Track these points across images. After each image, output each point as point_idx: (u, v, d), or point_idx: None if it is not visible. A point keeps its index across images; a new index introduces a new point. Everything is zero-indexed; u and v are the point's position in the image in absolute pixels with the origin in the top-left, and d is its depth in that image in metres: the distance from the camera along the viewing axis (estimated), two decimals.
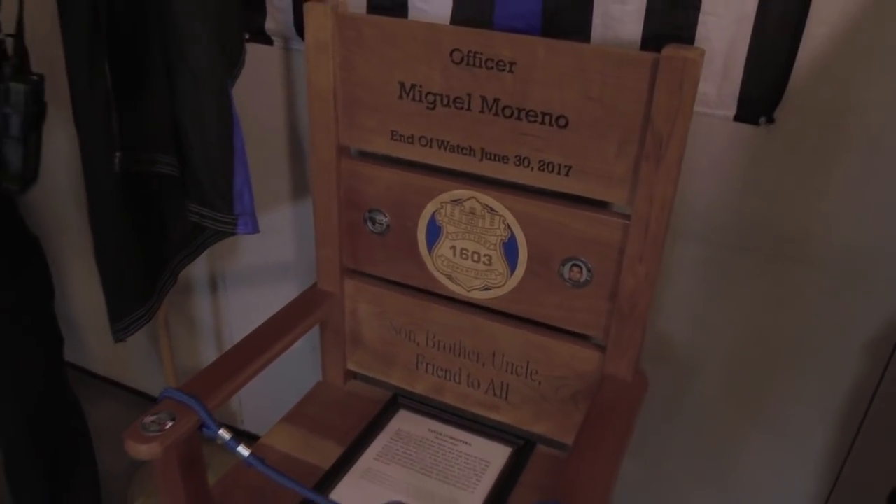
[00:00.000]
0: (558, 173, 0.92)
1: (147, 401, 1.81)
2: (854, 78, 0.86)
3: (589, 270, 0.96)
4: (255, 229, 1.10)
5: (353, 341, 1.21)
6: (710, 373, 1.12)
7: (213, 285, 1.55)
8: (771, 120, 0.92)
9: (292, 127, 1.28)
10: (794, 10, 0.85)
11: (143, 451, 0.84)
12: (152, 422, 0.87)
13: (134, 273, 1.13)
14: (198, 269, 1.52)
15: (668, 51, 0.80)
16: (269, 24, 1.17)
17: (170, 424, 0.87)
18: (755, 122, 0.93)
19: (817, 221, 0.96)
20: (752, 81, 0.91)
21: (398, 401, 1.21)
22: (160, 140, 1.06)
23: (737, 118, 0.94)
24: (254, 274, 1.49)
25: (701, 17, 0.89)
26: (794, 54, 0.88)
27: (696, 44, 0.90)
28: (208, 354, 1.64)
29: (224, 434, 0.90)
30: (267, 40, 1.20)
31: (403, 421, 1.18)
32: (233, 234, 1.08)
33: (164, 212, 1.16)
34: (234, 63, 1.04)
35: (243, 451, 0.90)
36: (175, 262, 1.21)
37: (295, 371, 1.39)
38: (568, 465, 0.84)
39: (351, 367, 1.24)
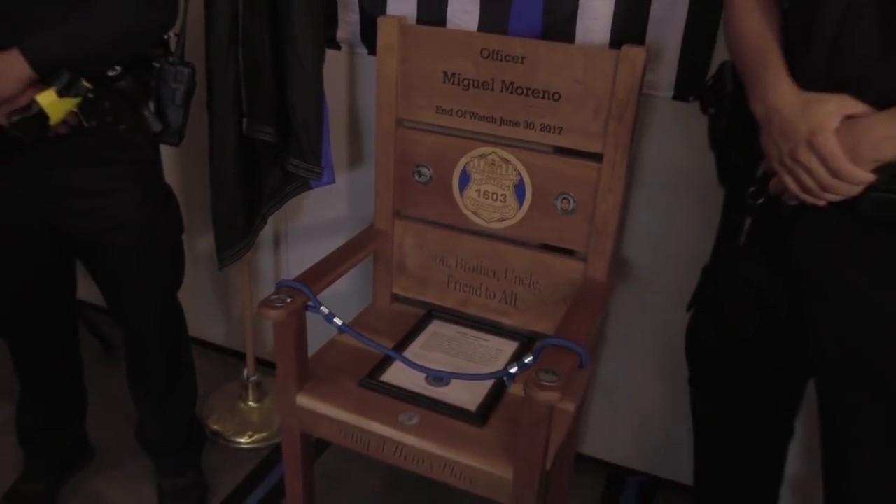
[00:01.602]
0: (554, 132, 1.39)
1: (203, 347, 2.21)
2: None
3: (575, 201, 1.42)
4: (333, 179, 1.57)
5: (398, 270, 1.65)
6: (662, 283, 1.58)
7: (277, 241, 1.99)
8: (695, 99, 1.39)
9: (352, 111, 1.74)
10: (710, 25, 1.33)
11: (273, 314, 1.28)
12: (276, 298, 1.31)
13: (240, 214, 1.58)
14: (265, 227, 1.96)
15: (625, 50, 1.28)
16: (340, 34, 1.63)
17: (289, 300, 1.31)
18: (686, 100, 1.40)
19: None
20: (683, 73, 1.38)
21: (432, 314, 1.65)
22: (265, 112, 1.50)
23: (675, 97, 1.41)
24: (311, 231, 1.93)
25: (648, 28, 1.37)
26: (711, 54, 1.35)
27: (646, 45, 1.37)
28: None
29: (324, 309, 1.34)
30: (336, 47, 1.66)
31: (438, 326, 1.61)
32: (318, 180, 1.53)
33: (262, 169, 1.61)
34: (322, 57, 1.50)
35: (338, 321, 1.35)
36: (266, 209, 1.65)
37: (348, 299, 1.81)
38: (561, 323, 1.29)
39: (396, 290, 1.68)
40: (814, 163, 0.91)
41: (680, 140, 1.46)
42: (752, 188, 1.05)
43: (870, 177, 0.88)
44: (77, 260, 1.51)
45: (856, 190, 0.90)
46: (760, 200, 1.04)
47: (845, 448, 1.10)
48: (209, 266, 2.01)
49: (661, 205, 1.54)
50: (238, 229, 1.59)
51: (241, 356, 2.07)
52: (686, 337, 1.35)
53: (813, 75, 0.94)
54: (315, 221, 1.92)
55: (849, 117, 0.89)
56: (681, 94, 1.40)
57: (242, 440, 1.89)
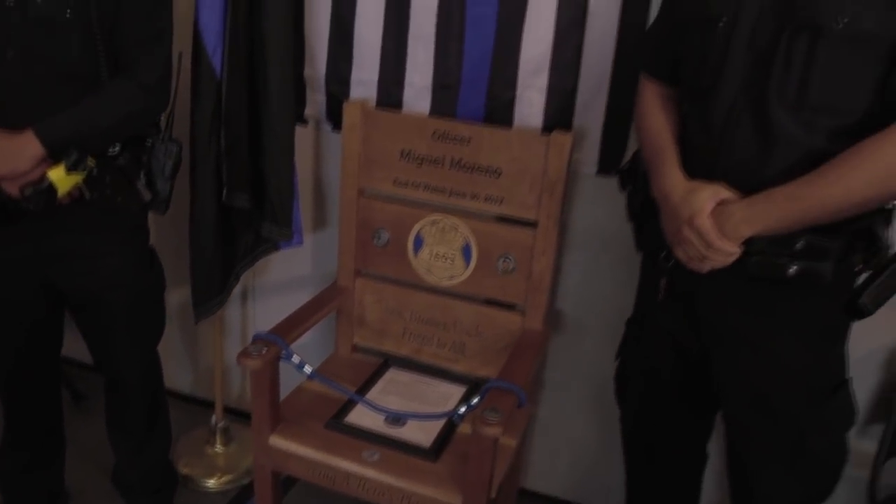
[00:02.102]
0: (495, 203, 1.62)
1: (171, 396, 2.34)
2: None
3: (514, 262, 1.65)
4: (301, 241, 1.76)
5: (358, 322, 1.85)
6: (592, 332, 1.81)
7: (244, 296, 2.16)
8: (616, 174, 1.65)
9: (317, 179, 1.95)
10: (626, 113, 1.59)
11: (251, 363, 1.46)
12: (253, 349, 1.49)
13: (216, 273, 1.76)
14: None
15: (554, 135, 1.53)
16: (308, 112, 1.85)
17: (265, 350, 1.49)
18: (609, 175, 1.65)
19: None
20: (605, 153, 1.64)
21: (389, 362, 1.84)
22: (243, 181, 1.70)
23: (598, 173, 1.66)
24: (277, 287, 2.11)
25: (575, 115, 1.62)
26: (627, 138, 1.61)
27: (573, 130, 1.62)
28: (233, 352, 2.23)
29: (296, 359, 1.52)
30: (304, 122, 1.87)
31: (394, 373, 1.81)
32: (289, 242, 1.73)
33: (236, 232, 1.80)
34: (294, 132, 1.71)
35: (308, 369, 1.53)
36: (239, 268, 1.84)
37: (312, 349, 1.99)
38: (503, 368, 1.50)
39: (356, 341, 1.87)
40: (694, 238, 1.15)
41: (604, 209, 1.71)
42: (663, 253, 1.29)
43: (735, 250, 1.13)
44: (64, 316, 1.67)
45: (728, 259, 1.14)
46: (671, 263, 1.28)
47: (748, 466, 1.34)
48: (178, 319, 2.17)
49: (590, 264, 1.78)
50: (214, 286, 1.77)
51: (206, 404, 2.22)
52: (615, 380, 1.57)
53: (705, 165, 1.19)
54: (280, 278, 2.11)
55: (721, 202, 1.14)
56: (603, 170, 1.66)
57: (211, 482, 2.03)
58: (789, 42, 1.08)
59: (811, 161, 1.09)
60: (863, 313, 1.15)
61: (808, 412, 1.25)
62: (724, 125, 1.16)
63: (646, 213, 1.35)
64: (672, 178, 1.21)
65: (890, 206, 1.18)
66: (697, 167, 1.20)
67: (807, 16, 1.06)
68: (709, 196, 1.14)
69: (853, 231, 1.13)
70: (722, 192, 1.14)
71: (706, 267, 1.17)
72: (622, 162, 1.62)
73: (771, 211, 1.10)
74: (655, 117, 1.31)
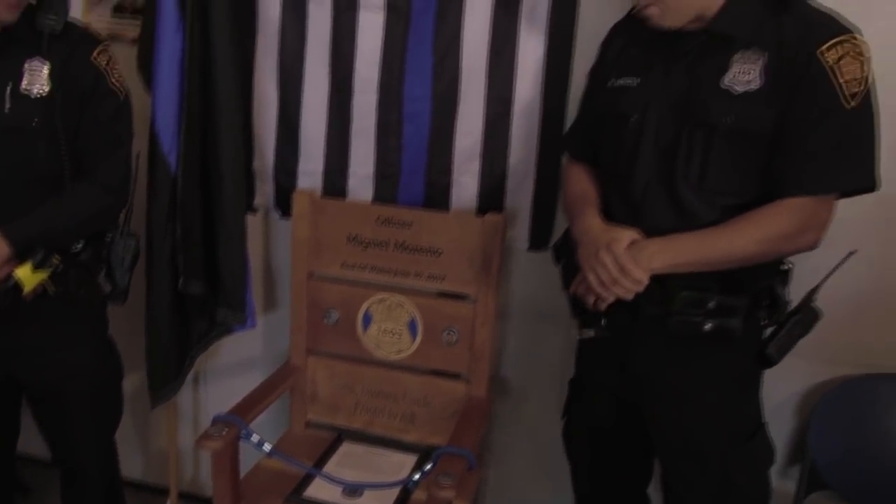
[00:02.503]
0: (437, 280, 1.76)
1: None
2: None
3: (457, 334, 1.78)
4: (254, 324, 1.86)
5: (311, 399, 1.94)
6: (535, 395, 1.95)
7: (196, 380, 2.22)
8: (547, 248, 1.81)
9: (266, 263, 2.06)
10: (552, 194, 1.77)
11: (213, 445, 1.54)
12: (214, 430, 1.57)
13: (171, 358, 1.84)
14: None
15: (488, 216, 1.69)
16: (257, 201, 1.97)
17: (225, 431, 1.57)
18: (539, 251, 1.82)
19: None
20: (535, 230, 1.81)
21: (343, 436, 1.93)
22: (197, 270, 1.80)
23: (529, 249, 1.83)
24: (229, 369, 2.18)
25: (506, 198, 1.80)
26: (554, 216, 1.79)
27: (505, 211, 1.79)
28: (186, 436, 2.27)
29: (255, 437, 1.60)
30: (253, 211, 1.99)
31: (348, 446, 1.90)
32: (242, 326, 1.83)
33: (190, 317, 1.88)
34: (246, 221, 1.83)
35: (267, 447, 1.61)
36: (194, 352, 1.92)
37: (266, 427, 2.05)
38: (452, 434, 1.62)
39: (310, 417, 1.95)
40: (609, 260, 1.28)
41: (539, 280, 1.87)
42: (598, 317, 1.43)
43: (644, 278, 1.26)
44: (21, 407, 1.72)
45: (635, 288, 1.27)
46: (603, 325, 1.42)
47: None
48: (129, 405, 2.20)
49: (529, 332, 1.93)
50: (170, 372, 1.84)
51: (159, 490, 2.24)
52: (563, 437, 1.70)
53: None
54: (231, 360, 2.18)
55: (635, 241, 1.30)
56: (534, 246, 1.82)
57: None
58: (689, 137, 1.29)
59: None
60: (771, 362, 1.34)
61: (731, 452, 1.41)
62: (641, 201, 1.35)
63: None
64: (593, 219, 1.38)
65: (786, 267, 1.38)
66: None
67: (701, 116, 1.28)
68: (626, 234, 1.30)
69: (757, 290, 1.33)
70: (637, 234, 1.31)
71: (611, 292, 1.29)
72: (551, 238, 1.80)
73: (679, 249, 1.28)
74: (581, 183, 1.49)
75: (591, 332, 1.42)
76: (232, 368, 2.18)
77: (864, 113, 1.23)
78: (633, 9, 1.40)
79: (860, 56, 1.22)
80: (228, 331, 1.93)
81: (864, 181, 1.25)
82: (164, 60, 1.68)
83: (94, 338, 1.65)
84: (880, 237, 1.61)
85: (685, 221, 1.31)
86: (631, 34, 1.42)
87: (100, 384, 1.66)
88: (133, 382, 2.08)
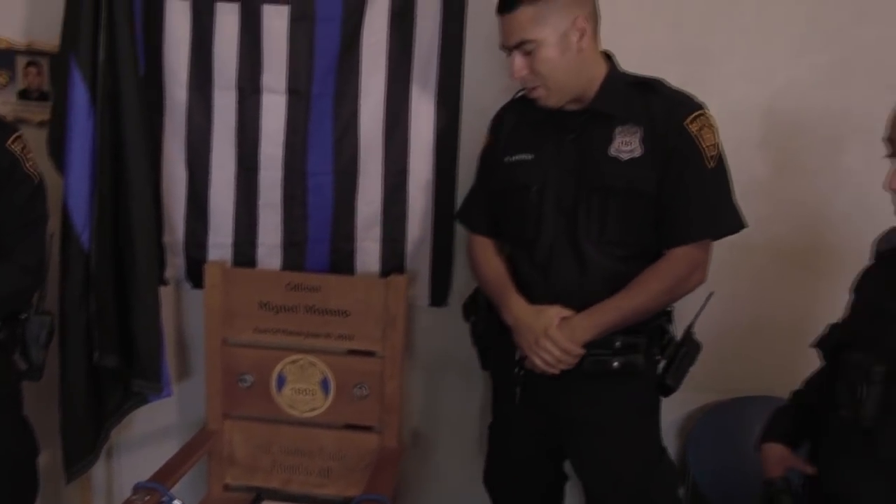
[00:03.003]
0: (346, 339, 1.90)
1: None
2: None
3: (367, 389, 1.92)
4: (171, 393, 1.94)
5: (229, 462, 2.02)
6: (446, 444, 2.09)
7: (109, 452, 2.25)
8: (446, 304, 1.99)
9: (179, 332, 2.14)
10: (447, 256, 1.95)
11: None
12: (136, 498, 1.63)
13: (87, 432, 1.88)
14: None
15: (391, 278, 1.86)
16: (168, 273, 2.06)
17: (147, 498, 1.64)
18: (440, 306, 1.99)
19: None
20: (434, 288, 1.98)
21: (261, 496, 2.01)
22: (112, 343, 1.87)
23: (430, 305, 2.00)
24: (142, 439, 2.22)
25: (406, 261, 1.97)
26: (451, 275, 1.97)
27: (406, 272, 1.96)
28: None
29: (176, 503, 1.68)
30: (165, 283, 2.08)
31: None
32: (159, 395, 1.90)
33: (105, 390, 1.94)
34: (158, 293, 1.92)
35: None
36: (109, 424, 1.97)
37: (184, 492, 2.10)
38: (367, 484, 1.74)
39: (228, 480, 2.03)
40: (550, 346, 1.49)
41: (442, 334, 2.04)
42: (516, 368, 1.61)
43: (582, 351, 1.49)
44: None
45: (575, 360, 1.49)
46: (522, 373, 1.60)
47: None
48: (44, 481, 2.19)
49: (436, 384, 2.08)
50: (86, 446, 1.88)
51: None
52: (485, 479, 1.84)
53: (539, 292, 1.56)
54: (144, 430, 2.22)
55: (563, 317, 1.51)
56: (435, 303, 2.00)
57: None
58: (587, 199, 1.52)
59: (613, 279, 1.51)
60: (670, 390, 1.57)
61: (646, 475, 1.60)
62: (548, 261, 1.56)
63: (489, 338, 1.72)
64: (519, 305, 1.57)
65: (670, 308, 1.60)
66: (532, 295, 1.57)
67: (597, 181, 1.51)
68: (554, 314, 1.52)
69: (651, 329, 1.56)
70: (563, 311, 1.52)
71: (559, 368, 1.51)
72: (449, 294, 1.98)
73: (602, 318, 1.50)
74: (489, 265, 1.68)
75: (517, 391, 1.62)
76: (146, 438, 2.23)
77: (721, 170, 1.52)
78: (519, 91, 1.63)
79: (712, 126, 1.50)
80: (144, 401, 2.00)
81: (733, 225, 1.53)
82: (75, 143, 1.77)
83: (9, 416, 1.69)
84: (731, 279, 1.86)
85: (589, 273, 1.53)
86: (520, 115, 1.64)
87: (14, 462, 1.70)
88: (48, 458, 2.10)
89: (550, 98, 1.52)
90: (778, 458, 1.27)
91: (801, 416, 1.30)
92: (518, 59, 1.50)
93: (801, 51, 1.84)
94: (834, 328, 1.23)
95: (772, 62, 1.85)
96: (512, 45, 1.50)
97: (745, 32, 1.85)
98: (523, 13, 1.46)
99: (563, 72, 1.49)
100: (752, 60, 1.85)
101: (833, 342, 1.19)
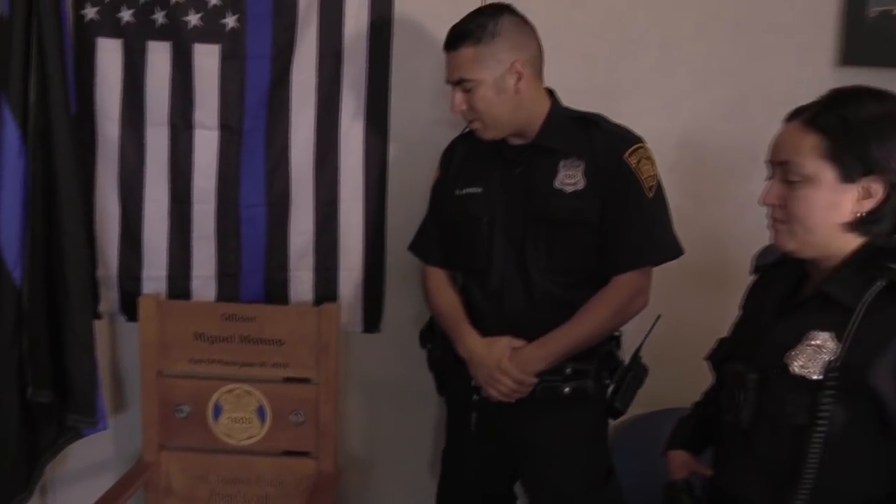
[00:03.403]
0: (281, 367, 1.96)
1: None
2: None
3: (303, 415, 1.97)
4: (106, 426, 1.96)
5: (165, 493, 2.04)
6: (384, 469, 2.16)
7: (43, 489, 2.24)
8: (379, 330, 2.07)
9: (114, 365, 2.16)
10: (377, 284, 2.04)
11: None
12: None
13: (20, 469, 1.89)
14: None
15: (323, 306, 1.93)
16: (102, 307, 2.09)
17: None
18: (373, 332, 2.07)
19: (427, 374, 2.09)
20: (367, 315, 2.06)
21: None
22: (45, 379, 1.89)
23: (364, 332, 2.07)
24: (77, 474, 2.23)
25: (339, 289, 2.04)
26: (382, 302, 2.05)
27: (339, 301, 2.03)
28: None
29: None
30: (99, 317, 2.10)
31: None
32: (94, 429, 1.92)
33: (38, 425, 1.95)
34: (92, 327, 1.94)
35: None
36: (43, 460, 1.97)
37: None
38: None
39: None
40: (504, 379, 1.59)
41: (377, 360, 2.11)
42: (473, 395, 1.68)
43: (535, 380, 1.58)
44: None
45: (529, 389, 1.59)
46: (478, 399, 1.68)
47: None
48: None
49: (370, 407, 2.15)
50: (19, 483, 1.89)
51: None
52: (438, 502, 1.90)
53: (492, 320, 1.66)
54: (80, 465, 2.23)
55: (515, 348, 1.59)
56: (368, 329, 2.08)
57: None
58: (534, 230, 1.62)
59: (561, 306, 1.61)
60: (619, 413, 1.66)
61: (592, 494, 1.69)
62: (499, 290, 1.66)
63: (445, 365, 1.79)
64: (471, 339, 1.65)
65: (618, 333, 1.71)
66: (485, 323, 1.66)
67: (543, 212, 1.61)
68: (505, 345, 1.61)
69: (600, 355, 1.65)
70: (514, 341, 1.61)
71: (514, 397, 1.60)
72: (381, 321, 2.07)
73: (553, 348, 1.60)
74: (443, 297, 1.76)
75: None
76: (82, 473, 2.23)
77: (660, 199, 1.64)
78: (466, 128, 1.73)
79: (650, 159, 1.63)
80: (79, 435, 2.01)
81: (671, 251, 1.65)
82: (7, 181, 1.81)
83: None
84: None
85: (538, 301, 1.63)
86: (469, 148, 1.74)
87: None
88: None
89: (487, 132, 1.63)
90: (681, 463, 1.38)
91: (701, 425, 1.41)
92: (458, 95, 1.61)
93: (703, 86, 2.00)
94: (722, 342, 1.35)
95: (676, 97, 2.00)
96: (453, 81, 1.61)
97: (651, 69, 2.00)
98: (464, 53, 1.57)
99: (499, 110, 1.60)
100: (658, 95, 2.00)
101: (721, 355, 1.31)
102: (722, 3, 1.99)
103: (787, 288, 1.23)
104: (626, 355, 1.71)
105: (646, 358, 1.70)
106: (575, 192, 1.60)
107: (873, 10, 1.96)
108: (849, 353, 1.06)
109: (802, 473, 1.08)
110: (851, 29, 1.97)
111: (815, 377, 1.08)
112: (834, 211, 1.11)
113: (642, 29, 1.99)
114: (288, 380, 2.00)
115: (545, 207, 1.61)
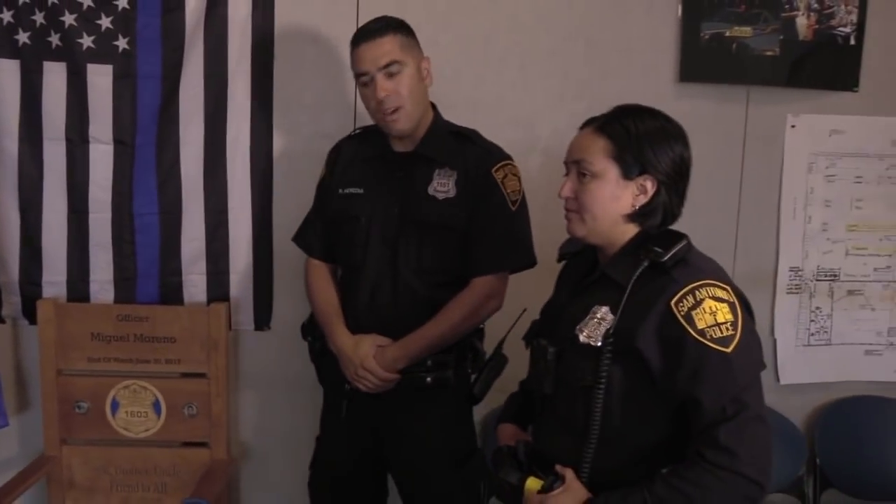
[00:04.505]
0: (174, 363, 2.14)
1: None
2: None
3: (197, 408, 2.16)
4: (6, 423, 2.11)
5: (69, 486, 2.20)
6: (273, 455, 2.35)
7: None
8: (269, 328, 2.26)
9: (17, 366, 2.31)
10: (267, 287, 2.23)
11: None
12: None
13: None
14: None
15: (212, 306, 2.12)
16: (5, 312, 2.24)
17: None
18: (263, 330, 2.26)
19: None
20: (257, 314, 2.26)
21: None
22: None
23: (255, 329, 2.27)
24: None
25: (231, 290, 2.23)
26: (272, 302, 2.25)
27: (231, 300, 2.22)
28: None
29: None
30: (2, 321, 2.25)
31: None
32: None
33: None
34: None
35: None
36: None
37: None
38: (194, 490, 1.97)
39: (68, 503, 2.21)
40: (368, 375, 1.78)
41: (267, 355, 2.30)
42: (346, 384, 1.87)
43: (396, 377, 1.78)
44: None
45: (392, 384, 1.78)
46: (349, 388, 1.86)
47: None
48: None
49: (262, 399, 2.34)
50: None
51: None
52: (309, 487, 2.07)
53: (364, 315, 1.84)
54: None
55: (379, 346, 1.79)
56: (258, 327, 2.27)
57: None
58: (407, 232, 1.82)
59: (427, 304, 1.80)
60: (477, 399, 1.81)
61: (451, 475, 1.88)
62: (374, 284, 1.84)
63: (323, 357, 1.96)
64: (342, 336, 1.84)
65: (481, 327, 1.92)
66: (359, 319, 1.85)
67: (416, 216, 1.81)
68: (370, 345, 1.79)
69: (461, 346, 1.86)
70: (378, 339, 1.80)
71: (379, 391, 1.80)
72: (271, 319, 2.26)
73: (412, 348, 1.79)
74: (322, 293, 1.94)
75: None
76: None
77: (521, 213, 1.86)
78: (356, 129, 1.97)
79: (516, 175, 1.86)
80: None
81: (526, 260, 1.87)
82: None
83: None
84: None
85: (408, 298, 1.82)
86: (355, 152, 1.93)
87: None
88: None
89: (402, 121, 1.79)
90: (509, 434, 1.59)
91: (525, 400, 1.64)
92: (384, 82, 1.74)
93: (559, 101, 2.25)
94: (534, 323, 1.58)
95: (535, 110, 2.25)
96: (381, 66, 1.74)
97: (513, 86, 2.24)
98: (393, 40, 1.76)
99: (418, 97, 1.81)
100: (518, 109, 2.24)
101: (532, 333, 1.54)
102: (575, 27, 2.25)
103: (581, 272, 1.47)
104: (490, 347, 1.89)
105: (514, 348, 1.90)
106: (446, 200, 1.82)
107: (706, 32, 2.25)
108: (620, 322, 1.30)
109: (590, 425, 1.31)
110: (688, 49, 2.26)
111: (597, 344, 1.32)
112: (616, 203, 1.36)
113: (504, 49, 2.24)
114: (182, 374, 2.18)
115: (418, 211, 1.81)
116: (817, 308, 2.43)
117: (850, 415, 2.43)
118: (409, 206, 1.83)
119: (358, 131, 1.98)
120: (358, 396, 1.87)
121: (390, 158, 1.87)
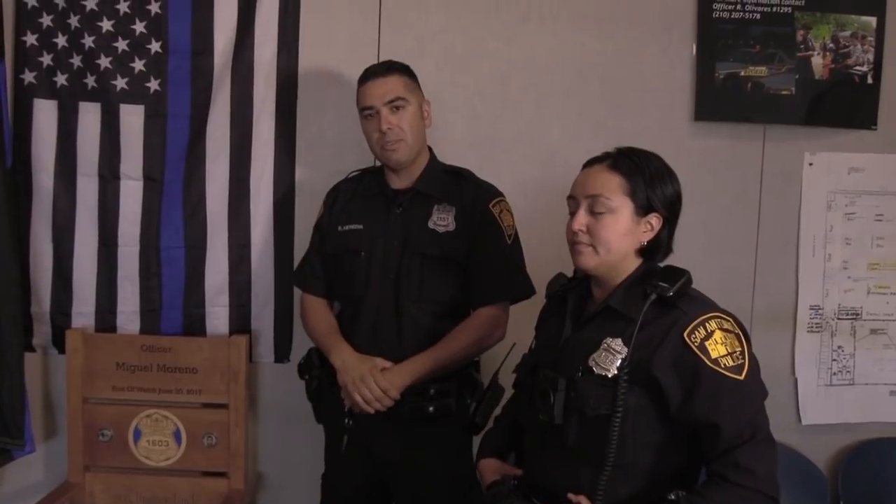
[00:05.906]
0: (195, 393, 2.22)
1: None
2: None
3: (216, 438, 2.23)
4: (33, 449, 2.21)
5: None
6: (289, 487, 2.41)
7: None
8: (288, 360, 2.34)
9: (46, 395, 2.41)
10: (287, 319, 2.31)
11: None
12: None
13: None
14: None
15: (233, 338, 2.21)
16: (36, 341, 2.35)
17: None
18: (283, 362, 2.34)
19: None
20: (278, 346, 2.34)
21: None
22: None
23: (275, 362, 2.35)
24: (9, 498, 2.45)
25: (252, 322, 2.32)
26: (291, 335, 2.33)
27: (251, 332, 2.30)
28: None
29: None
30: (32, 350, 2.36)
31: None
32: (22, 451, 2.17)
33: None
34: (23, 359, 2.20)
35: None
36: None
37: None
38: None
39: None
40: (370, 383, 1.82)
41: (286, 388, 2.37)
42: (346, 419, 1.92)
43: (398, 395, 1.82)
44: None
45: (391, 402, 1.82)
46: (350, 423, 1.92)
47: None
48: None
49: (280, 431, 2.41)
50: None
51: None
52: None
53: (365, 345, 1.90)
54: (12, 490, 2.45)
55: (383, 368, 1.85)
56: (278, 360, 2.35)
57: None
58: (408, 264, 1.90)
59: (429, 334, 1.88)
60: (479, 428, 1.87)
61: None
62: (375, 316, 1.92)
63: (321, 394, 2.03)
64: (346, 350, 1.90)
65: (477, 359, 1.98)
66: (360, 351, 1.90)
67: (417, 248, 1.90)
68: (376, 364, 1.85)
69: (460, 377, 1.92)
70: (385, 362, 1.87)
71: (374, 407, 1.82)
72: (290, 352, 2.34)
73: (418, 368, 1.85)
74: (321, 319, 2.02)
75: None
76: (14, 497, 2.45)
77: (517, 246, 1.96)
78: (352, 172, 2.07)
79: (510, 211, 1.97)
80: (9, 458, 2.25)
81: (526, 291, 1.95)
82: None
83: None
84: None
85: (408, 327, 1.90)
86: (353, 191, 2.04)
87: None
88: None
89: (402, 153, 1.90)
90: (493, 469, 1.64)
91: (504, 434, 1.69)
92: (388, 116, 1.87)
93: (574, 139, 2.32)
94: (526, 356, 1.64)
95: (551, 149, 2.32)
96: (386, 101, 1.87)
97: (528, 125, 2.32)
98: (399, 79, 1.90)
99: (418, 134, 1.93)
100: (534, 148, 2.32)
101: (527, 367, 1.59)
102: (591, 66, 2.33)
103: (575, 306, 1.53)
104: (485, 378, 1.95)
105: (503, 380, 1.95)
106: (447, 233, 1.91)
107: (721, 72, 2.31)
108: (634, 353, 1.38)
109: (606, 453, 1.37)
110: (703, 89, 2.32)
111: (611, 374, 1.39)
112: (629, 237, 1.45)
113: (520, 89, 2.33)
114: (203, 405, 2.26)
115: (420, 243, 1.90)
116: (839, 347, 2.43)
117: (875, 456, 2.42)
118: (410, 238, 1.91)
119: (356, 173, 2.09)
120: (359, 430, 1.91)
121: (389, 195, 1.97)
